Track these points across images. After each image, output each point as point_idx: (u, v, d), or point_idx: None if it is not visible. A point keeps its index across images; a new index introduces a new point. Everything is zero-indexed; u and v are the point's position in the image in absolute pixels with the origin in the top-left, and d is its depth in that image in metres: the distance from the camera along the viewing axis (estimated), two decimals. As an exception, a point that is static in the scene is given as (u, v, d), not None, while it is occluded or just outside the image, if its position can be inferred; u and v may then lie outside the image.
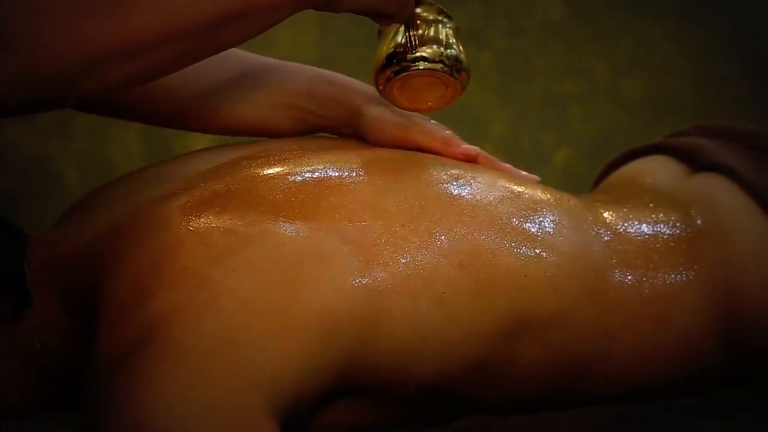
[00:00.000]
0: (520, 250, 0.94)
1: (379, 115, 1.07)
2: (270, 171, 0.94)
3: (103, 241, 0.90)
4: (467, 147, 1.06)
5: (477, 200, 0.96)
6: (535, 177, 1.09)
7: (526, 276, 0.93)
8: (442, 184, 0.97)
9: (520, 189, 1.00)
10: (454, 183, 0.97)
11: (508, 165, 1.09)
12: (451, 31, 1.00)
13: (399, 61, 0.98)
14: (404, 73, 0.98)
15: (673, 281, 1.02)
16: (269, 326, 0.81)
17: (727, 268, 1.05)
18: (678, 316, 1.02)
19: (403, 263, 0.89)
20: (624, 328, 1.00)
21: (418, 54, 0.97)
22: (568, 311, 0.96)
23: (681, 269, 1.03)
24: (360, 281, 0.86)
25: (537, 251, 0.95)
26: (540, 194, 1.01)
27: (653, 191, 1.15)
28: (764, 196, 1.09)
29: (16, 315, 0.93)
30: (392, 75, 0.98)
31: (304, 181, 0.93)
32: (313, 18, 1.73)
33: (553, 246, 0.96)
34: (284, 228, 0.87)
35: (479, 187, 0.98)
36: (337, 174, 0.95)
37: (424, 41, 0.98)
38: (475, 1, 1.94)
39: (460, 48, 1.00)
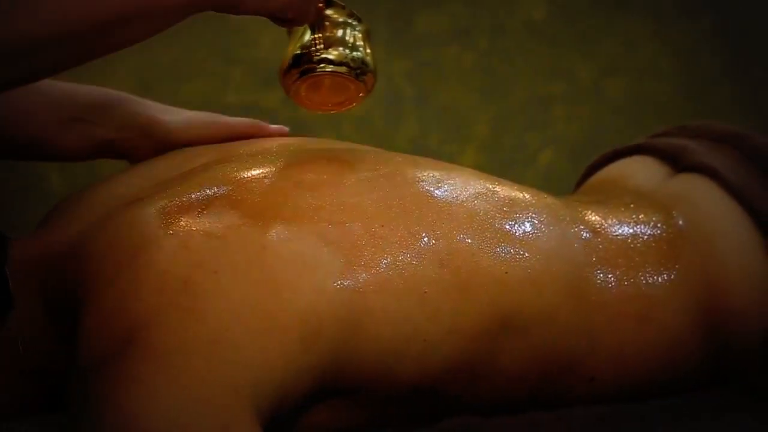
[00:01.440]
0: (500, 248, 0.94)
1: (184, 118, 1.11)
2: (248, 173, 0.94)
3: (85, 243, 0.90)
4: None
5: (455, 198, 0.96)
6: (284, 129, 1.17)
7: (506, 273, 0.93)
8: (420, 182, 0.97)
9: (496, 187, 1.01)
10: (432, 181, 0.97)
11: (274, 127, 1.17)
12: (359, 34, 1.01)
13: (304, 62, 0.99)
14: (309, 75, 1.00)
15: (654, 281, 1.03)
16: (251, 328, 0.81)
17: (708, 268, 1.05)
18: (660, 315, 1.02)
19: (385, 263, 0.89)
20: (606, 327, 1.00)
21: (323, 56, 0.99)
22: (550, 310, 0.96)
23: (662, 269, 1.04)
24: (341, 282, 0.86)
25: (516, 248, 0.95)
26: (517, 192, 1.02)
27: (635, 192, 1.16)
28: (746, 197, 1.09)
29: (-2, 318, 0.93)
30: (298, 76, 1.00)
31: (282, 183, 0.93)
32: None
33: (532, 244, 0.97)
34: (264, 230, 0.87)
35: (456, 185, 0.98)
36: (314, 175, 0.95)
37: (331, 43, 0.99)
38: (458, 2, 1.94)
39: (368, 50, 1.01)
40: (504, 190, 1.01)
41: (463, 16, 1.95)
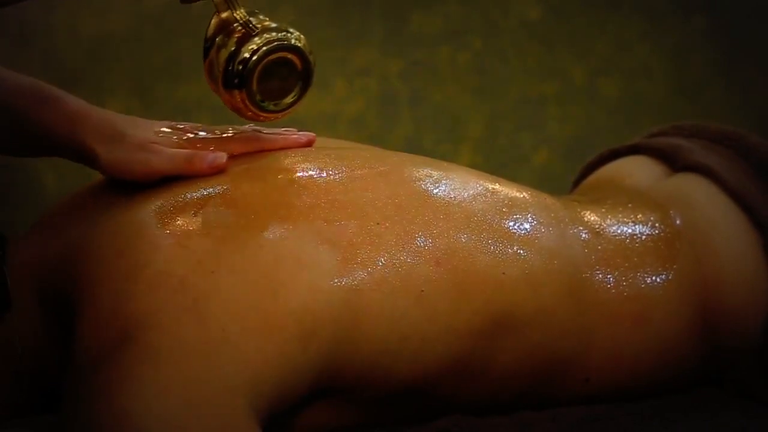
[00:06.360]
0: (498, 248, 0.94)
1: (116, 158, 0.96)
2: (244, 173, 0.94)
3: (82, 244, 0.90)
4: (214, 157, 0.95)
5: (452, 198, 0.96)
6: (311, 135, 1.05)
7: (503, 274, 0.94)
8: (417, 182, 0.97)
9: (495, 186, 1.01)
10: (429, 181, 0.97)
11: (281, 135, 1.04)
12: (261, 17, 0.94)
13: (235, 74, 0.92)
14: (251, 78, 0.93)
15: (652, 281, 1.03)
16: (248, 328, 0.81)
17: (705, 268, 1.05)
18: (657, 315, 1.03)
19: (381, 262, 0.89)
20: (602, 327, 1.01)
21: (244, 55, 0.92)
22: (547, 309, 0.96)
23: (660, 269, 1.04)
24: (338, 281, 0.86)
25: (514, 249, 0.95)
26: (516, 192, 1.02)
27: (632, 191, 1.16)
28: (742, 196, 1.10)
29: (-5, 318, 0.93)
30: (238, 83, 0.93)
31: (278, 183, 0.93)
32: (290, 21, 1.73)
33: (531, 244, 0.97)
34: (261, 229, 0.87)
35: (454, 185, 0.98)
36: (310, 174, 0.95)
37: (242, 41, 0.92)
38: (452, 2, 1.94)
39: (266, 23, 0.94)
40: (503, 190, 1.01)
41: (457, 16, 1.95)
